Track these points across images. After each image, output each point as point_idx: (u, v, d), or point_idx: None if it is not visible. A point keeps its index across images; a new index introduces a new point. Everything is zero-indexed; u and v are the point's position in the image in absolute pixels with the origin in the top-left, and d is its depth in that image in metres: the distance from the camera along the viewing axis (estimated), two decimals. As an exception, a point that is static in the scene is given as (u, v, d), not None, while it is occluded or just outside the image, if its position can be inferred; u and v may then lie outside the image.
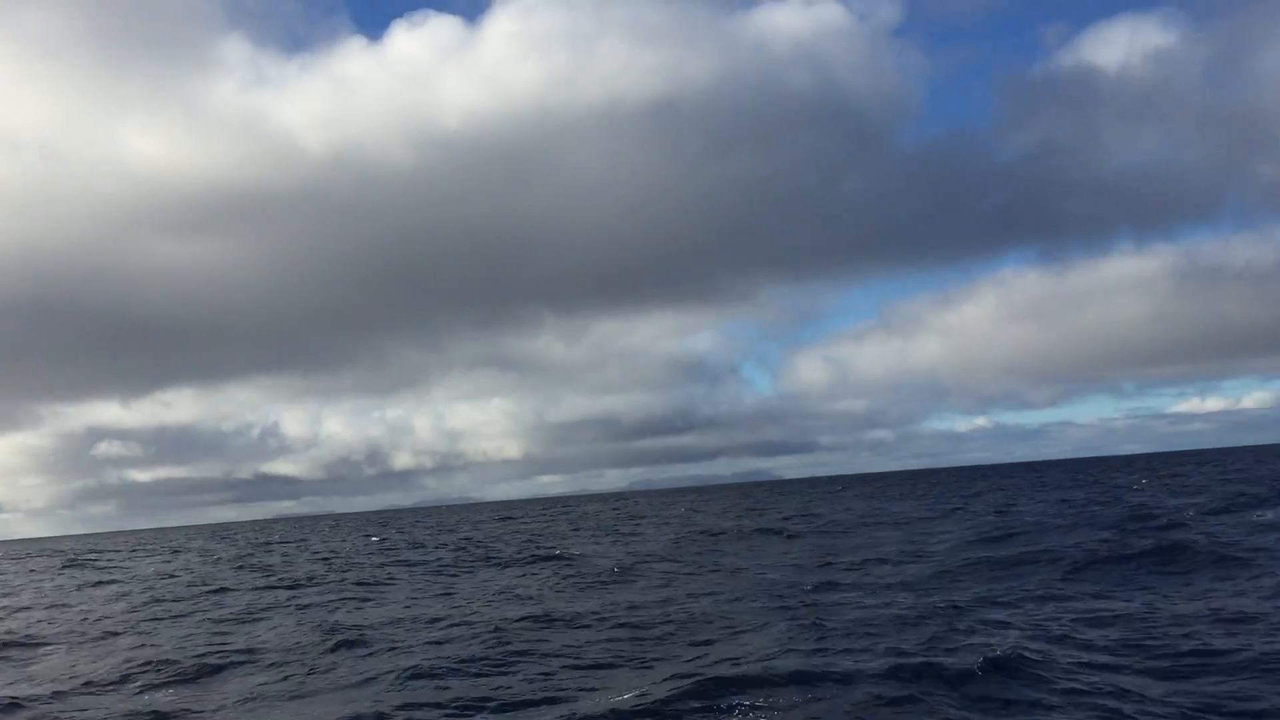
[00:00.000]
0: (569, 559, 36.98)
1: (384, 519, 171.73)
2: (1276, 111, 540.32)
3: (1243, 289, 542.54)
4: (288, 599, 30.53)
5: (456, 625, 21.90)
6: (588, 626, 20.67)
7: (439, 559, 42.42)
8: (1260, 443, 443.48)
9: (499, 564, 37.51)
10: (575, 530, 61.18)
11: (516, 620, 21.74)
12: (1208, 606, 17.79)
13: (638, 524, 64.48)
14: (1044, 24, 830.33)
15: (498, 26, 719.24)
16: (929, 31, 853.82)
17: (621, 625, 20.48)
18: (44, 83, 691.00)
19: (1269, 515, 31.70)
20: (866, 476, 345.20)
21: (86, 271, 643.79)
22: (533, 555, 39.84)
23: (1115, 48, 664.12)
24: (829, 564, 28.92)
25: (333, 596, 30.13)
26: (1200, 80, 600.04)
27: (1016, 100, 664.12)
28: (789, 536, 40.50)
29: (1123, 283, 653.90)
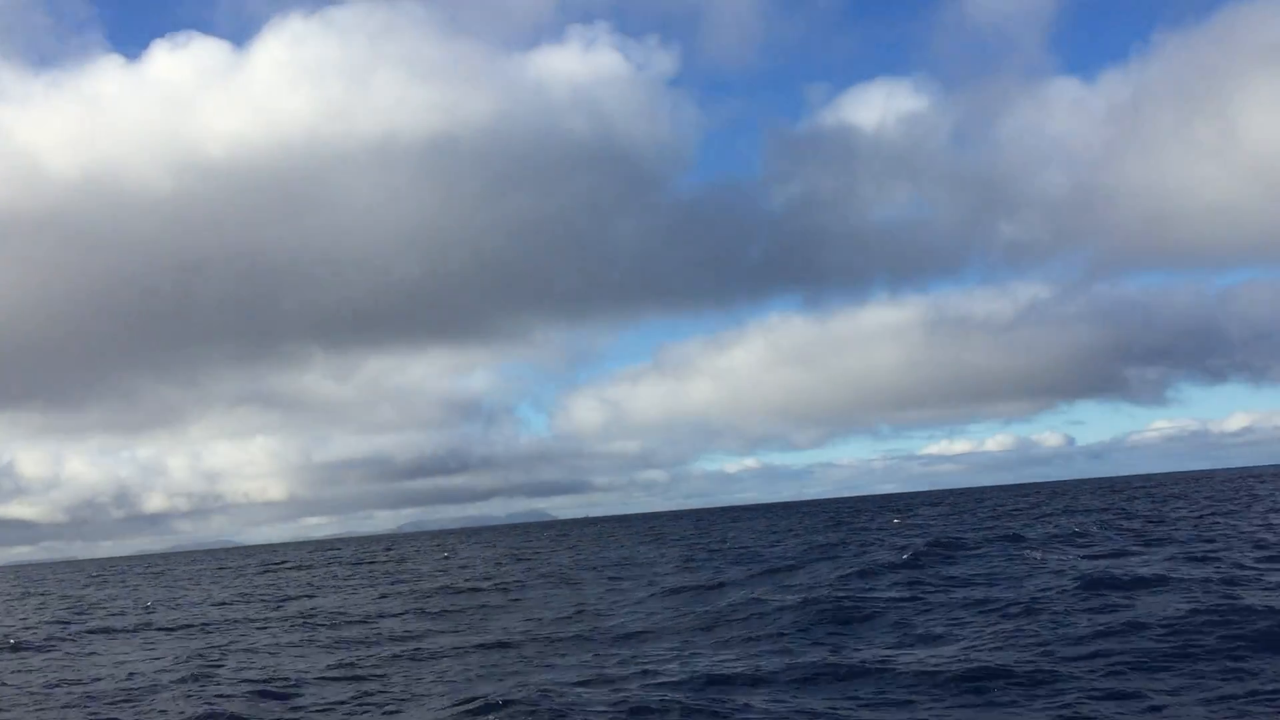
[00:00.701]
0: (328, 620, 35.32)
1: (129, 565, 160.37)
2: (1014, 175, 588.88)
3: (985, 339, 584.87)
4: None
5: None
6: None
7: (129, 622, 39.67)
8: (1001, 482, 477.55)
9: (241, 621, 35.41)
10: (334, 584, 58.76)
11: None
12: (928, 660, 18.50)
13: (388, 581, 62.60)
14: (807, 83, 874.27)
15: (267, 53, 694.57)
16: (702, 84, 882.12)
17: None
18: None
19: (1037, 554, 33.91)
20: (641, 516, 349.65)
21: None
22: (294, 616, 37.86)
23: (872, 109, 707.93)
24: (571, 619, 28.64)
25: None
26: (948, 143, 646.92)
27: (782, 154, 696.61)
28: (565, 583, 40.09)
29: (879, 331, 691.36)
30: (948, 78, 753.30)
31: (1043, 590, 25.10)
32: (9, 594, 76.65)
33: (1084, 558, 32.58)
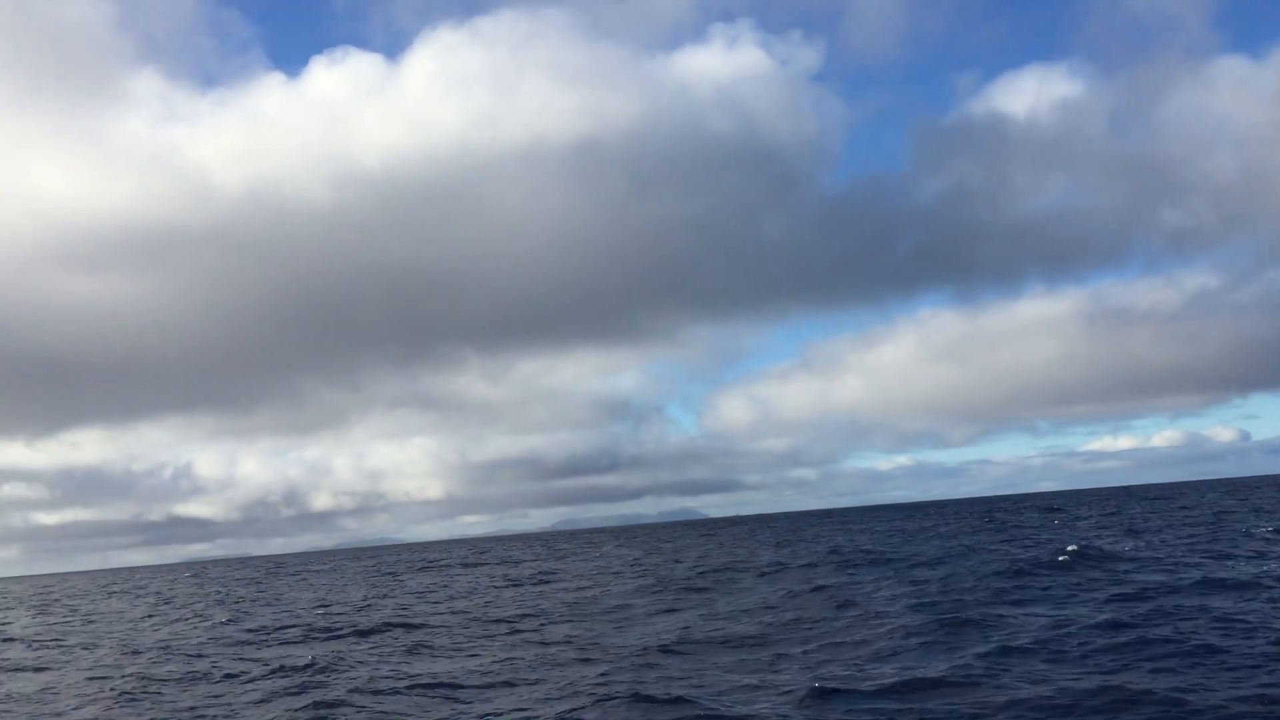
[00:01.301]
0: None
1: (302, 562, 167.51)
2: (1178, 159, 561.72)
3: (1149, 331, 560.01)
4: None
5: None
6: None
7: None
8: (1171, 480, 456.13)
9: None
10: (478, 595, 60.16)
11: None
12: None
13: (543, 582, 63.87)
14: (956, 73, 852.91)
15: (419, 65, 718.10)
16: (846, 78, 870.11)
17: None
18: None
19: (1222, 562, 32.45)
20: (791, 514, 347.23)
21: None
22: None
23: (1024, 97, 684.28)
24: (723, 620, 28.81)
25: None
26: (1106, 128, 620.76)
27: (930, 146, 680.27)
28: (718, 584, 40.36)
29: (1035, 324, 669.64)
30: (1104, 60, 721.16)
31: (1234, 607, 23.62)
32: (194, 593, 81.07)
33: None
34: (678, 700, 17.75)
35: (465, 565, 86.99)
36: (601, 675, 21.28)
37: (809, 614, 28.57)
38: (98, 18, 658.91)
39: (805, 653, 22.39)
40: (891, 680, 18.31)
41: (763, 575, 43.82)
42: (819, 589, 34.51)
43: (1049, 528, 64.55)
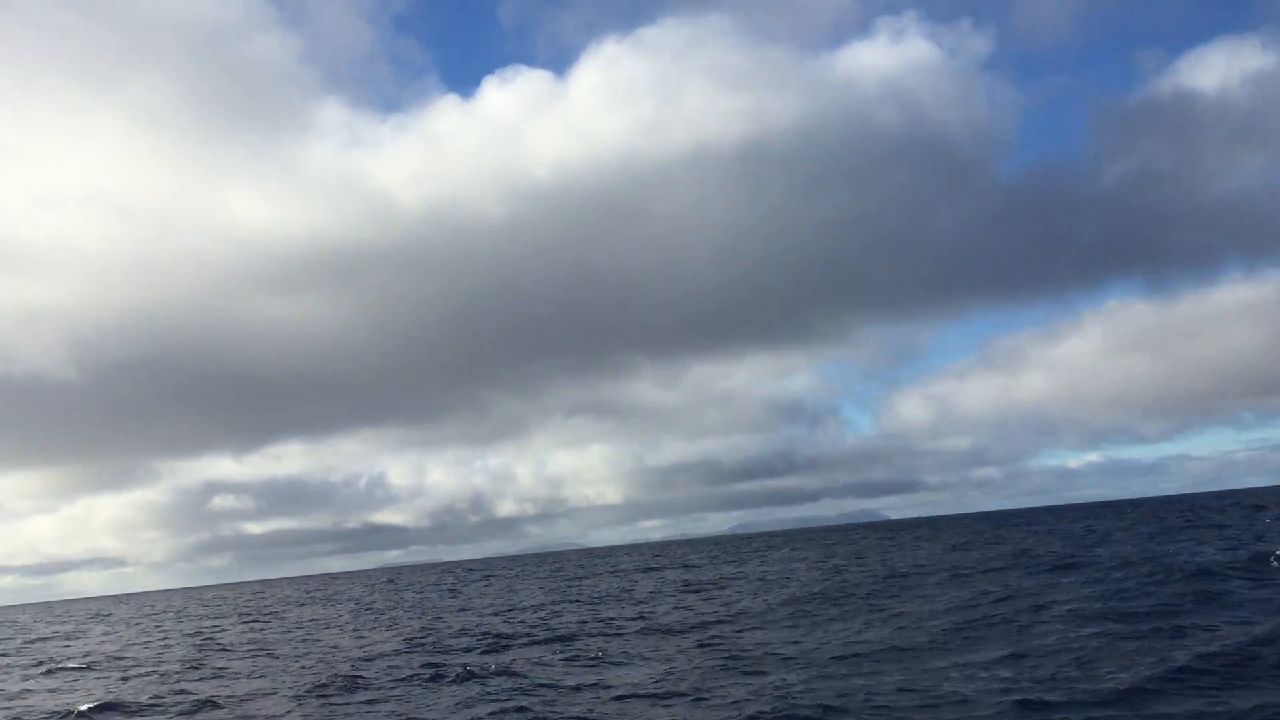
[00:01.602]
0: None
1: (489, 567, 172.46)
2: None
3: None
4: None
5: None
6: None
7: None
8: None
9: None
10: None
11: None
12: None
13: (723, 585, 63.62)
14: (1138, 51, 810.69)
15: (585, 78, 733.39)
16: (1019, 64, 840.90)
17: None
18: (153, 152, 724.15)
19: None
20: (976, 515, 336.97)
21: (198, 332, 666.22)
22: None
23: (1214, 72, 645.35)
24: (907, 626, 28.07)
25: None
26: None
27: (1113, 128, 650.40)
28: (879, 594, 39.55)
29: (1234, 311, 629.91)
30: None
31: None
32: (390, 599, 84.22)
33: None
34: (871, 713, 17.36)
35: (645, 570, 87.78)
36: (787, 684, 21.04)
37: (1002, 619, 27.55)
38: (285, 52, 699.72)
39: (1002, 660, 21.58)
40: (1105, 689, 17.45)
41: (949, 579, 42.58)
42: (1011, 592, 33.33)
43: (1258, 526, 60.62)
